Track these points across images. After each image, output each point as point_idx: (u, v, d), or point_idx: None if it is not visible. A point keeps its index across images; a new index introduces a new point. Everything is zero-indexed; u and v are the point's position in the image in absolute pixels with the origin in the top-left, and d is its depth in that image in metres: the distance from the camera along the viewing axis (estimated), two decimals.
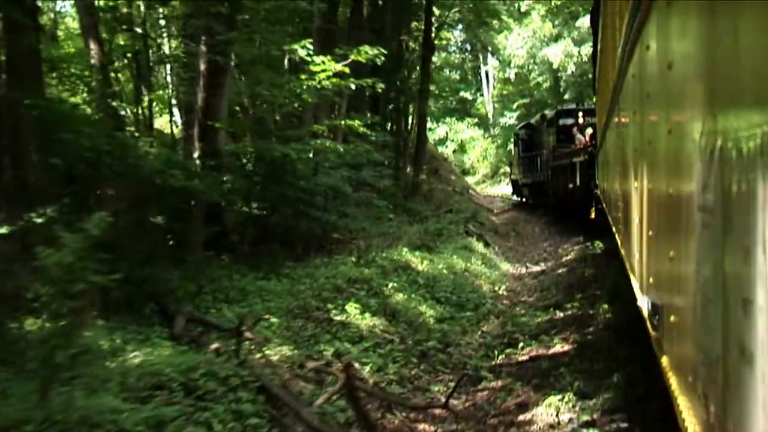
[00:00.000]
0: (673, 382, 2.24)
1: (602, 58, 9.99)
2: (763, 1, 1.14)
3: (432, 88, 29.74)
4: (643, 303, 2.84)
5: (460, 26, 33.65)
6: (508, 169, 39.60)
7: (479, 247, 16.63)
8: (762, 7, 1.15)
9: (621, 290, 7.33)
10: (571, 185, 16.95)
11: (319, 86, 12.02)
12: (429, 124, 49.58)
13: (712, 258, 1.54)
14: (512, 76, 48.87)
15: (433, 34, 26.05)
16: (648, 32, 3.09)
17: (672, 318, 2.37)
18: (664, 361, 2.47)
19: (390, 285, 10.10)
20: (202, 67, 11.11)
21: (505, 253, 17.74)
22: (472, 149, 51.69)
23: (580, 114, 21.53)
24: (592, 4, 12.80)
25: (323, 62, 11.84)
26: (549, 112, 26.07)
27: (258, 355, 6.46)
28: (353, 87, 12.73)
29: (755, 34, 1.21)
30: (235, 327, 6.70)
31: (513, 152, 35.61)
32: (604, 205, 9.78)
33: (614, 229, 7.02)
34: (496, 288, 12.54)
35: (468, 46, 51.44)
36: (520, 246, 19.53)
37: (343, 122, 14.42)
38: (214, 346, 6.43)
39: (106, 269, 4.85)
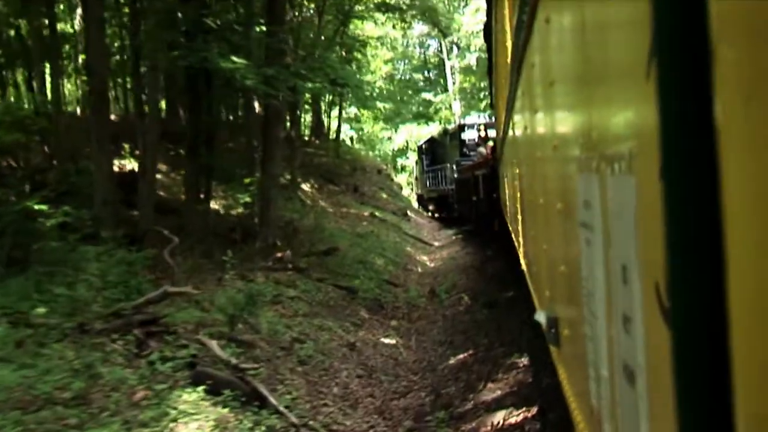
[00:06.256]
0: (570, 394, 2.26)
1: (497, 74, 10.28)
2: (628, 19, 1.15)
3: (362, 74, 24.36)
4: (540, 316, 2.88)
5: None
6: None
7: None
8: (628, 26, 1.15)
9: None
10: (474, 198, 17.32)
11: None
12: (390, 133, 44.16)
13: (595, 274, 1.55)
14: (473, 62, 42.47)
15: None
16: (532, 50, 3.16)
17: (566, 332, 2.40)
18: (561, 373, 2.50)
19: None
20: None
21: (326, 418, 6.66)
22: None
23: (482, 127, 22.19)
24: (485, 19, 13.18)
25: None
26: (451, 126, 26.70)
27: None
28: None
29: (623, 53, 1.22)
30: None
31: (417, 167, 36.05)
32: (505, 217, 9.99)
33: (515, 241, 7.18)
34: None
35: (432, 42, 46.12)
36: (409, 352, 9.58)
37: None
38: None
39: None
